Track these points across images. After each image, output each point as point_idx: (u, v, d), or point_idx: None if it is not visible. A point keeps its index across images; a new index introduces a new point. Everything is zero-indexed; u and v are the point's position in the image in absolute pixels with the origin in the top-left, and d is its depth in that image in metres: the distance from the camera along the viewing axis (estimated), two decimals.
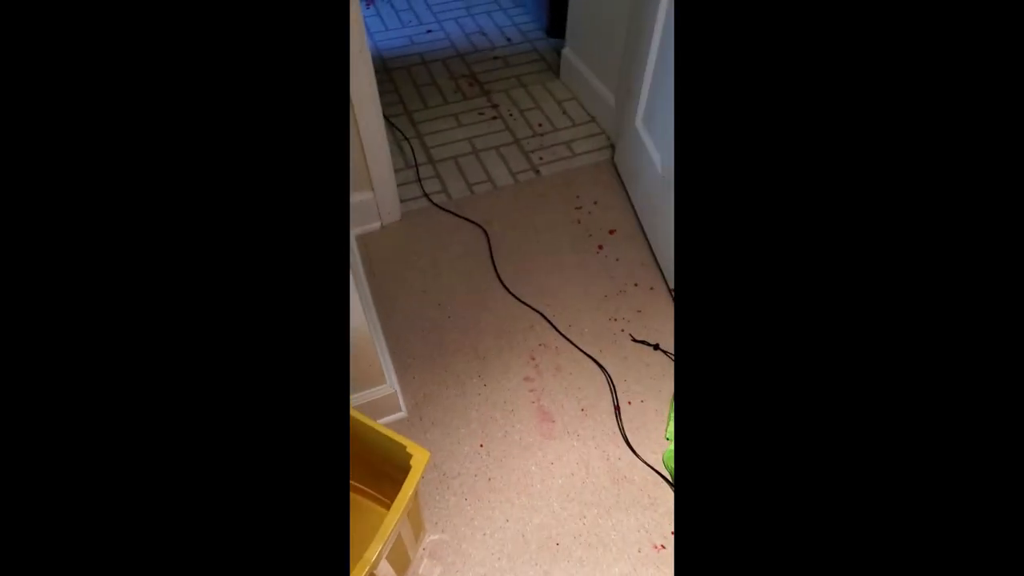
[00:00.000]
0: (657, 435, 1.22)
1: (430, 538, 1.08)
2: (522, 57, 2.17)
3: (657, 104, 1.42)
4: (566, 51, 1.97)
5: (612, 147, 1.80)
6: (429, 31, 2.28)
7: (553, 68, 2.11)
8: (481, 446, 1.20)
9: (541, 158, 1.79)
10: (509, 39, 2.25)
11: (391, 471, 0.94)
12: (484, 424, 1.24)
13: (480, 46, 2.22)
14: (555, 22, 2.18)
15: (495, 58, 2.16)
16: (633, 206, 1.64)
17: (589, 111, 1.93)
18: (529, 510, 1.12)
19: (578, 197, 1.67)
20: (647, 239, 1.56)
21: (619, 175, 1.72)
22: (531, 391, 1.28)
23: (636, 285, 1.47)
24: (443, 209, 1.65)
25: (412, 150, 1.82)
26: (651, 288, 1.47)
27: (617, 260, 1.52)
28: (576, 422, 1.24)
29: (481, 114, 1.94)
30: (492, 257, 1.53)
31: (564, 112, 1.94)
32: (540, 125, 1.90)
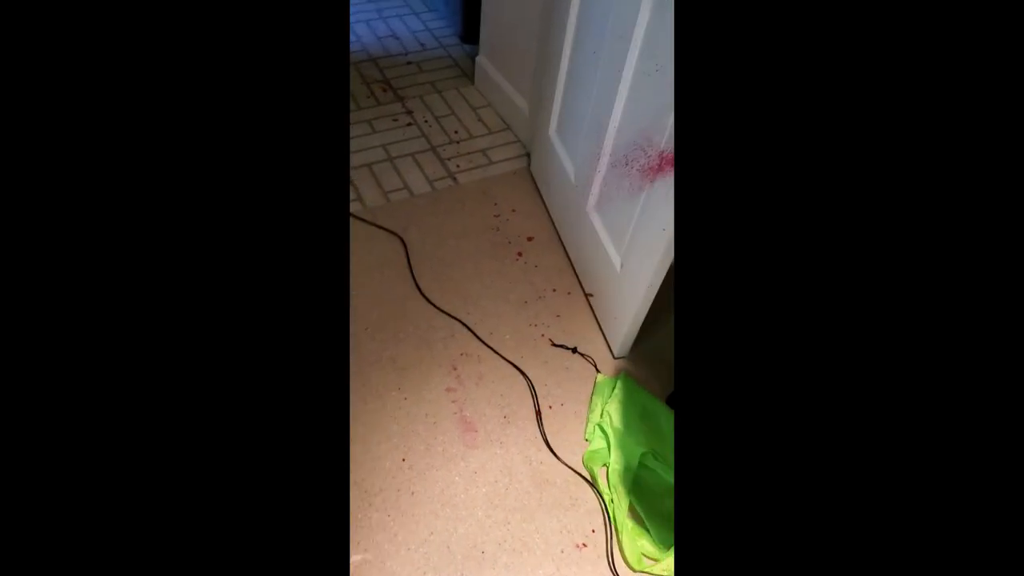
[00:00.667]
0: (577, 437, 1.26)
1: (353, 559, 1.06)
2: (436, 63, 2.16)
3: (569, 114, 1.46)
4: (480, 58, 1.99)
5: (528, 155, 1.83)
6: None
7: (468, 74, 2.11)
8: (403, 460, 1.19)
9: (458, 165, 1.79)
10: (423, 44, 2.23)
11: None
12: (406, 437, 1.22)
13: (393, 50, 2.19)
14: (469, 28, 2.18)
15: (408, 63, 2.14)
16: (549, 213, 1.67)
17: (504, 119, 1.95)
18: (454, 521, 1.12)
19: (496, 204, 1.69)
20: (563, 245, 1.60)
21: (535, 183, 1.75)
22: (453, 402, 1.28)
23: (554, 290, 1.50)
24: (358, 218, 1.61)
25: None
26: (569, 293, 1.50)
27: (536, 267, 1.55)
28: (499, 430, 1.25)
29: (395, 120, 1.91)
30: (410, 266, 1.51)
31: (480, 119, 1.95)
32: (456, 132, 1.90)
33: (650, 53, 1.06)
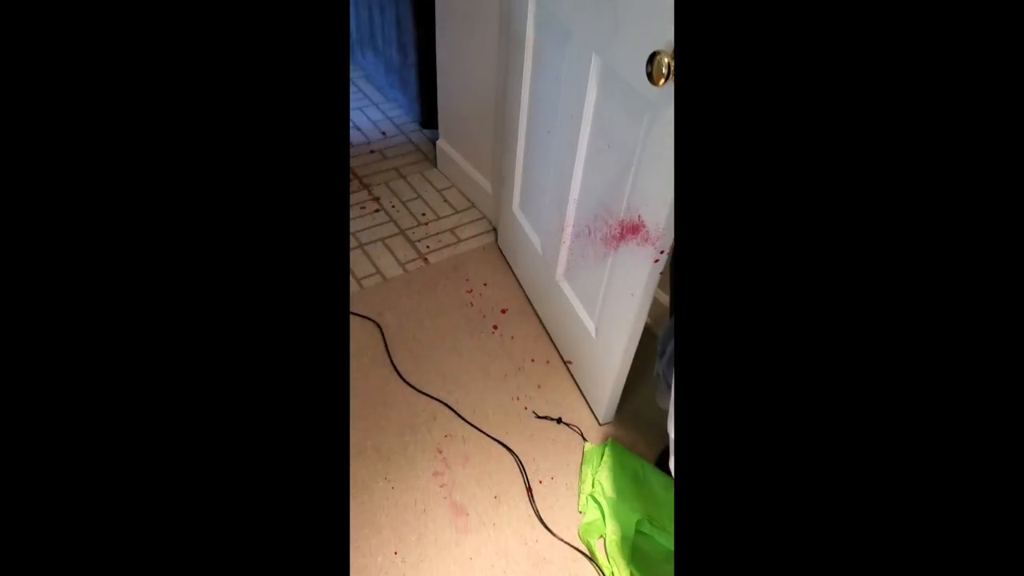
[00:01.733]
0: (571, 510, 1.24)
1: None
2: (399, 149, 2.24)
3: (530, 190, 1.52)
4: (440, 142, 2.07)
5: (495, 230, 1.89)
6: None
7: (430, 158, 2.19)
8: (395, 553, 1.15)
9: (428, 247, 1.83)
10: (384, 133, 2.33)
11: None
12: (396, 529, 1.19)
13: (356, 141, 2.27)
14: (428, 114, 2.29)
15: (372, 152, 2.22)
16: (521, 285, 1.70)
17: (469, 198, 2.02)
18: None
19: (468, 280, 1.72)
20: (537, 315, 1.62)
21: (504, 256, 1.79)
22: (442, 486, 1.26)
23: (533, 360, 1.51)
24: None
25: None
26: (547, 361, 1.51)
27: (512, 338, 1.56)
28: (491, 511, 1.22)
29: (363, 208, 1.96)
30: (388, 350, 1.51)
31: (445, 200, 2.02)
32: (423, 215, 1.95)
33: (600, 131, 1.13)
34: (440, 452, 1.32)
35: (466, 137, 1.91)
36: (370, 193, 2.02)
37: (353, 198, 2.00)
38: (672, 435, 0.96)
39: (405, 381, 1.45)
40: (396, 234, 1.87)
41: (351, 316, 1.59)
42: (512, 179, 1.58)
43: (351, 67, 2.70)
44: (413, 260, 1.78)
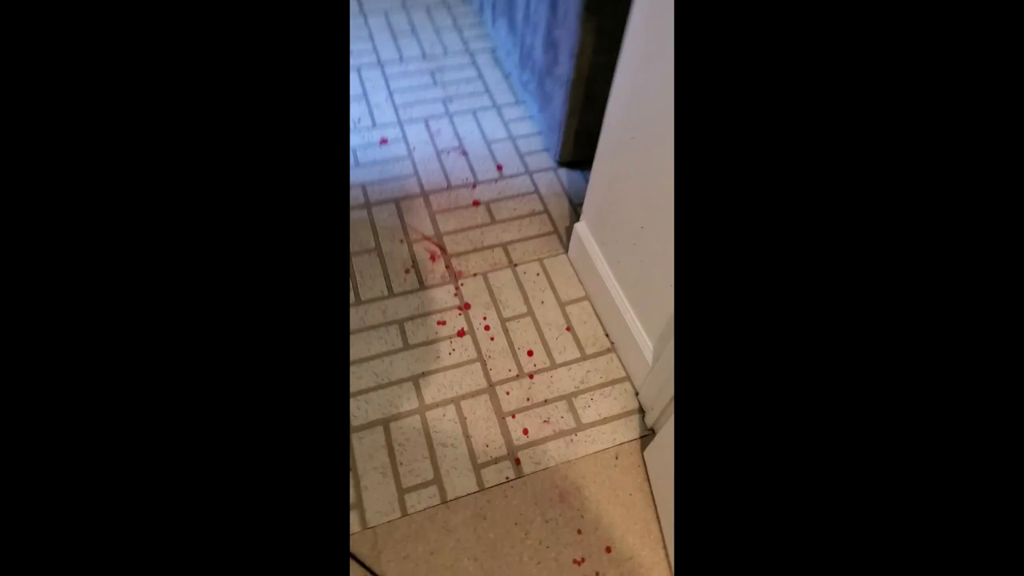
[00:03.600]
0: None
1: None
2: (516, 203, 1.47)
3: None
4: (581, 226, 1.28)
5: (640, 413, 1.13)
6: (384, 141, 1.57)
7: (560, 231, 1.41)
8: None
9: (526, 431, 1.11)
10: (499, 163, 1.55)
11: None
12: None
13: (455, 173, 1.51)
14: (573, 149, 1.48)
15: (475, 203, 1.46)
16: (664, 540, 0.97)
17: (611, 337, 1.24)
18: None
19: (580, 535, 1.00)
20: None
21: (648, 474, 1.05)
22: None
23: None
24: (356, 560, 0.98)
25: None
26: None
27: None
28: None
29: (442, 326, 1.24)
30: None
31: (569, 327, 1.26)
32: (531, 353, 1.21)
33: None
34: None
35: (628, 239, 1.11)
36: (455, 287, 1.30)
37: (428, 300, 1.28)
38: None
39: None
40: (483, 391, 1.16)
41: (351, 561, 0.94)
42: None
43: (476, 27, 1.87)
44: (497, 461, 1.08)
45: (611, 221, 1.14)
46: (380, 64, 1.76)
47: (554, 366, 1.20)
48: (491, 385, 1.16)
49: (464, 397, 1.14)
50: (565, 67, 1.30)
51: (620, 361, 1.20)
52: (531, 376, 1.18)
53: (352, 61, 1.76)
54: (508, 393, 1.15)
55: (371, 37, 1.84)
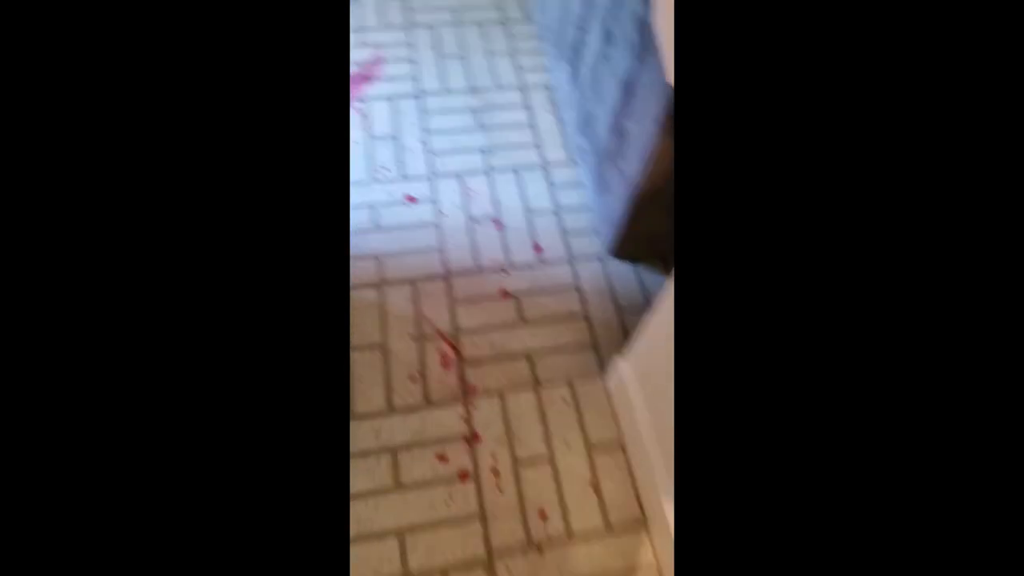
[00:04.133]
0: None
1: None
2: (551, 299, 1.24)
3: None
4: (626, 365, 1.05)
5: None
6: (411, 198, 1.35)
7: (600, 347, 1.18)
8: None
9: None
10: (539, 244, 1.31)
11: None
12: None
13: (486, 251, 1.29)
14: (633, 245, 1.23)
15: (504, 293, 1.24)
16: None
17: (642, 505, 1.02)
18: None
19: None
20: None
21: None
22: None
23: None
24: None
25: None
26: None
27: None
28: None
29: (443, 459, 1.04)
30: None
31: (594, 480, 1.04)
32: (544, 516, 1.01)
33: None
34: None
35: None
36: (465, 411, 1.09)
37: (435, 423, 1.07)
38: None
39: None
40: (473, 565, 0.96)
41: None
42: None
43: (534, 55, 1.61)
44: None
45: (663, 368, 0.91)
46: (418, 95, 1.52)
47: (570, 538, 0.99)
48: (490, 555, 0.96)
49: (455, 569, 0.95)
50: (633, 166, 1.05)
51: (651, 544, 0.99)
52: (540, 549, 0.97)
53: (387, 87, 1.52)
54: (509, 572, 0.95)
55: (413, 59, 1.59)
